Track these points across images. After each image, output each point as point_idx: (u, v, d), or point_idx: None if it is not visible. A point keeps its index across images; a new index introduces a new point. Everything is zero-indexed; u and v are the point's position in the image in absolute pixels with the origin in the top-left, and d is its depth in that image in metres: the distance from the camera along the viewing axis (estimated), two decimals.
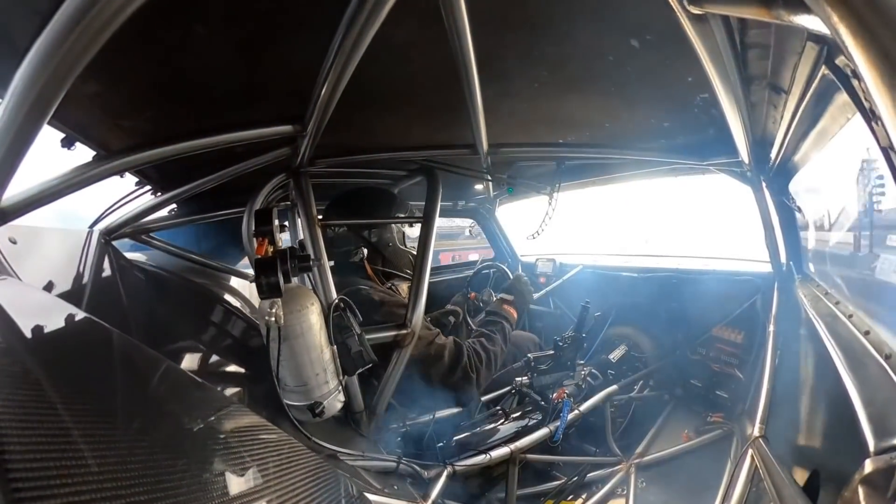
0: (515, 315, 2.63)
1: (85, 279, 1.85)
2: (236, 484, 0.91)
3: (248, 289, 2.88)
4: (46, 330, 1.08)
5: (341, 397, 1.89)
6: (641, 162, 2.72)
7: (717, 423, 2.50)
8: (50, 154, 1.57)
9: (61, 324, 1.20)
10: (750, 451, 1.60)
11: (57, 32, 0.96)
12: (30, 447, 0.64)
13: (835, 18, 0.59)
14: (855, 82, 1.01)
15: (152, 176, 2.15)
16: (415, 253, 2.34)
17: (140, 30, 1.06)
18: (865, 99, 0.97)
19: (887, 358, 1.15)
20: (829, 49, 1.05)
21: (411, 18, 1.33)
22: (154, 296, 2.29)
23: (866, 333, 1.30)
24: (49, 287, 1.65)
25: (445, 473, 1.96)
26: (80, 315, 1.30)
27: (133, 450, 0.79)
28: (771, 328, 2.26)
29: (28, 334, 1.01)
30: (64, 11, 0.94)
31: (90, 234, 2.09)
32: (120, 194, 2.15)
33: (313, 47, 1.42)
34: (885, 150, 0.96)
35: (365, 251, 2.43)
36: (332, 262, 2.05)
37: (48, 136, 1.44)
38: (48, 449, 0.66)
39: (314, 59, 1.47)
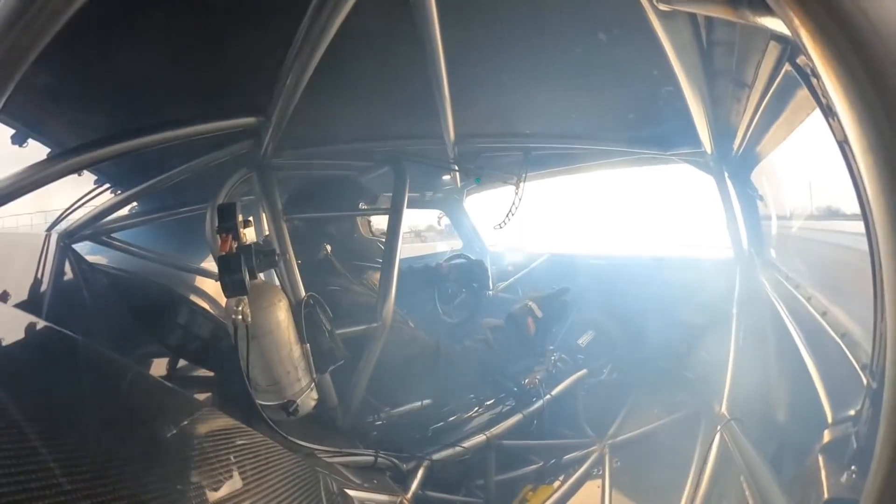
0: (532, 331, 2.51)
1: (44, 286, 1.76)
2: (215, 490, 0.89)
3: (214, 288, 2.80)
4: (4, 343, 1.03)
5: (314, 394, 1.87)
6: (607, 152, 2.78)
7: (686, 401, 2.60)
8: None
9: (21, 335, 1.14)
10: (719, 428, 1.68)
11: (2, 21, 0.90)
12: None
13: (796, 22, 0.61)
14: (814, 80, 1.05)
15: (111, 173, 2.06)
16: (382, 241, 2.32)
17: (94, 19, 1.01)
18: (823, 96, 1.02)
19: (843, 336, 1.22)
20: (791, 48, 1.09)
21: (379, 7, 1.31)
22: (118, 300, 2.21)
23: (824, 314, 1.38)
24: (4, 297, 1.57)
25: (424, 464, 1.97)
26: (40, 324, 1.24)
27: (104, 462, 0.76)
28: (734, 311, 2.35)
29: None
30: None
31: (48, 237, 1.99)
32: (78, 194, 2.05)
33: (278, 36, 1.38)
34: (841, 144, 1.01)
35: (329, 247, 2.39)
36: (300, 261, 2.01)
37: None
38: (14, 469, 0.63)
39: (279, 49, 1.44)
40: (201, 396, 1.97)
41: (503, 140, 2.57)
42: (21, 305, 1.60)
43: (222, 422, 1.22)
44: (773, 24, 0.82)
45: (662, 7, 1.14)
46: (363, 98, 1.94)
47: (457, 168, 2.86)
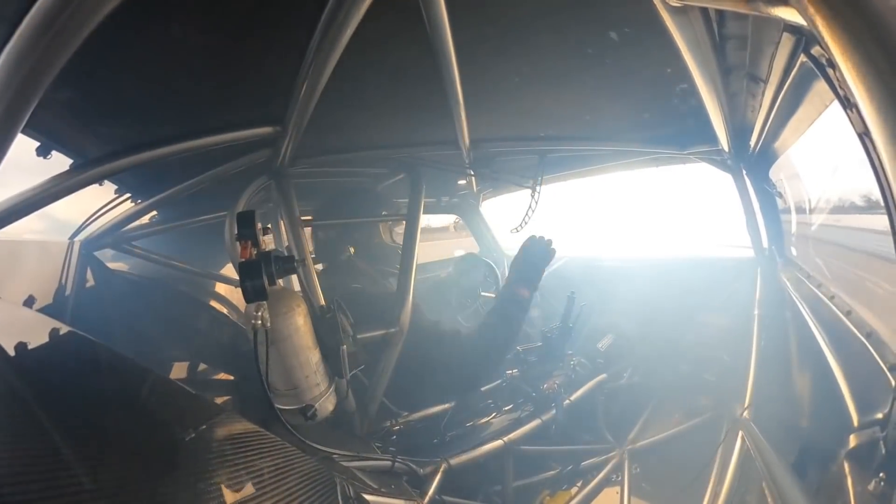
0: (528, 294, 2.37)
1: (68, 292, 1.82)
2: (232, 493, 0.90)
3: (233, 294, 2.84)
4: (30, 347, 1.06)
5: (333, 398, 1.88)
6: (623, 153, 2.75)
7: (707, 406, 2.55)
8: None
9: (45, 339, 1.18)
10: (740, 432, 1.64)
11: (27, 38, 0.93)
12: (19, 468, 0.63)
13: (811, 10, 0.60)
14: (831, 71, 1.03)
15: (132, 183, 2.11)
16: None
17: (114, 33, 1.04)
18: (841, 87, 0.99)
19: (868, 336, 1.18)
20: (805, 39, 1.07)
21: (390, 14, 1.32)
22: (139, 306, 2.26)
23: (848, 314, 1.34)
24: (30, 302, 1.61)
25: (441, 469, 1.96)
26: (64, 329, 1.28)
27: (125, 464, 0.78)
28: (755, 312, 2.30)
29: (11, 353, 0.98)
30: (33, 17, 0.91)
31: (71, 245, 2.04)
32: (99, 203, 2.11)
33: (291, 46, 1.40)
34: (861, 136, 0.98)
35: (352, 249, 2.41)
36: (323, 265, 2.03)
37: (22, 145, 1.40)
38: (38, 469, 0.64)
39: (293, 58, 1.46)
40: (221, 400, 2.00)
41: (518, 144, 2.56)
42: (46, 310, 1.65)
43: (241, 426, 1.23)
44: (787, 14, 0.81)
45: (673, 2, 1.13)
46: (377, 105, 1.96)
47: (472, 173, 2.87)
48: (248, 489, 0.94)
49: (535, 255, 2.46)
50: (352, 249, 2.41)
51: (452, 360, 2.17)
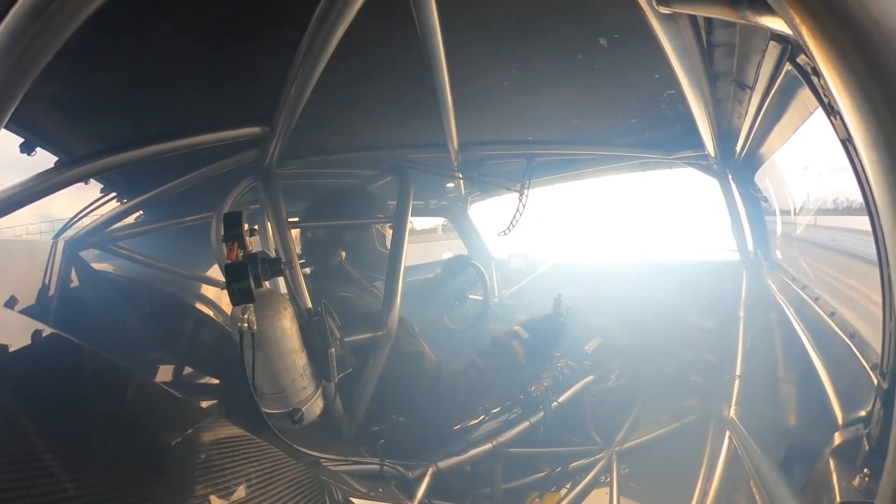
0: (521, 355, 2.37)
1: (51, 293, 1.78)
2: (219, 499, 0.89)
3: (219, 296, 2.81)
4: (11, 349, 1.04)
5: (320, 402, 1.86)
6: (610, 157, 2.78)
7: (694, 406, 2.57)
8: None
9: (27, 341, 1.15)
10: (727, 432, 1.66)
11: (13, 30, 0.91)
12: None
13: (797, 20, 0.61)
14: (815, 79, 1.05)
15: (118, 182, 2.08)
16: None
17: (102, 29, 1.02)
18: (825, 95, 1.02)
19: (851, 336, 1.21)
20: (791, 48, 1.10)
21: (381, 16, 1.32)
22: (124, 307, 2.22)
23: (832, 315, 1.37)
24: (13, 302, 1.58)
25: (430, 472, 1.95)
26: (47, 331, 1.25)
27: (109, 469, 0.76)
28: (741, 314, 2.34)
29: None
30: (19, 10, 0.90)
31: (55, 245, 2.01)
32: (85, 202, 2.08)
33: (282, 46, 1.40)
34: (844, 143, 1.01)
35: (343, 254, 2.39)
36: (311, 269, 2.01)
37: (6, 141, 1.38)
38: (20, 476, 0.63)
39: (282, 59, 1.45)
40: (206, 404, 1.97)
41: (506, 147, 2.58)
42: (28, 311, 1.62)
43: (227, 430, 1.22)
44: (774, 23, 0.82)
45: (662, 10, 1.15)
46: (366, 107, 1.96)
47: (460, 176, 2.88)
48: (235, 495, 0.93)
49: (550, 333, 2.49)
50: (343, 254, 2.39)
51: (429, 397, 2.16)
